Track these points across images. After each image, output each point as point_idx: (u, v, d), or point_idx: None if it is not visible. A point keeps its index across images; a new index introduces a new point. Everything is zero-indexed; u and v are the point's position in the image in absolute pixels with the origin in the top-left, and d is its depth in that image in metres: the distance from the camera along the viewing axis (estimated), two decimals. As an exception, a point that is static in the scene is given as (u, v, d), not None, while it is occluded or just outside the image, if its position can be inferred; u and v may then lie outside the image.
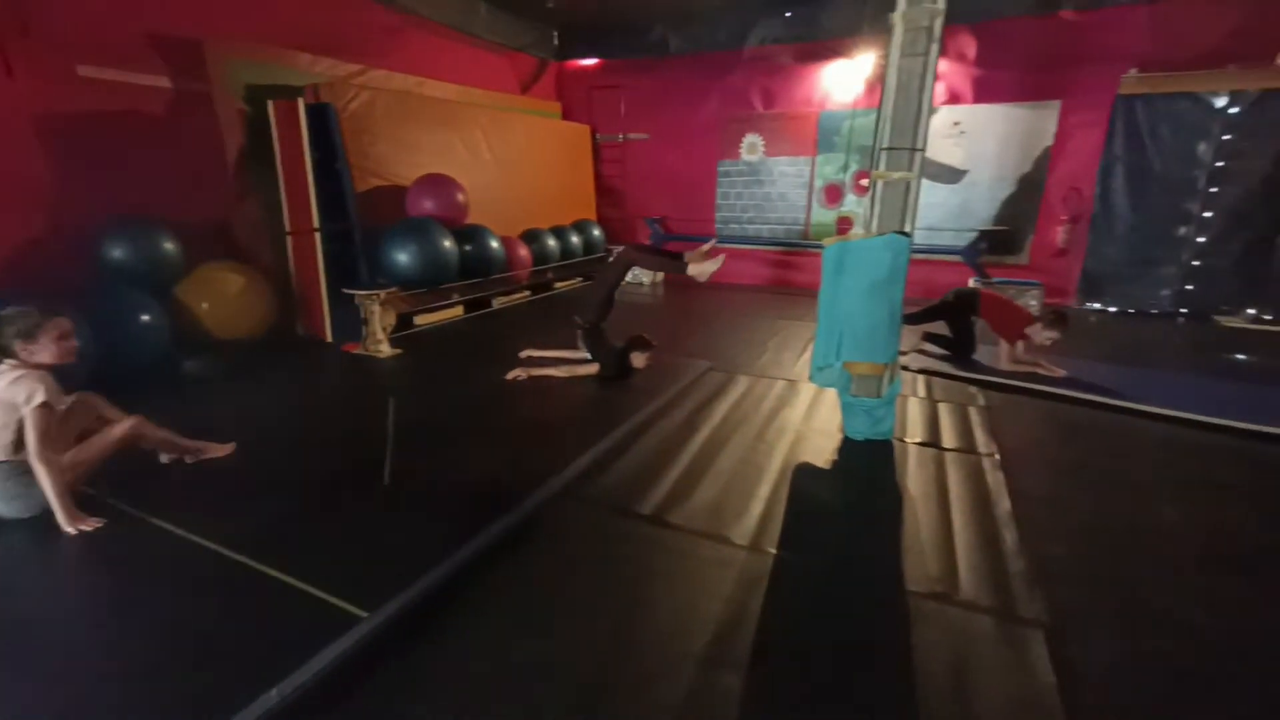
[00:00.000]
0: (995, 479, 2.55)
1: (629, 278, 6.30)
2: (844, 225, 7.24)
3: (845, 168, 7.15)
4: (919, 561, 1.98)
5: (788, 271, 7.71)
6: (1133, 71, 5.73)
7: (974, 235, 6.51)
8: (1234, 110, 5.50)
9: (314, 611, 1.70)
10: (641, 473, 2.58)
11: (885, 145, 2.69)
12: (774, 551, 2.04)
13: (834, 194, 7.27)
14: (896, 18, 2.55)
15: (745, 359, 4.30)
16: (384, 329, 4.31)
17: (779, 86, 7.33)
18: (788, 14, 6.76)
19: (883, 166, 2.70)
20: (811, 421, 3.17)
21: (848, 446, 2.89)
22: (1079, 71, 5.98)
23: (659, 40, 7.54)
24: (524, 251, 6.23)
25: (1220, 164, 5.62)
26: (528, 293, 6.44)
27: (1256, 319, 5.67)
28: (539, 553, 2.03)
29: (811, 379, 3.06)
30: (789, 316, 5.71)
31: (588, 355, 3.78)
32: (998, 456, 2.76)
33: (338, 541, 2.07)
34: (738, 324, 5.43)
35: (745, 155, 7.65)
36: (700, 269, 3.48)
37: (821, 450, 2.84)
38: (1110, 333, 5.27)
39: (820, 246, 2.89)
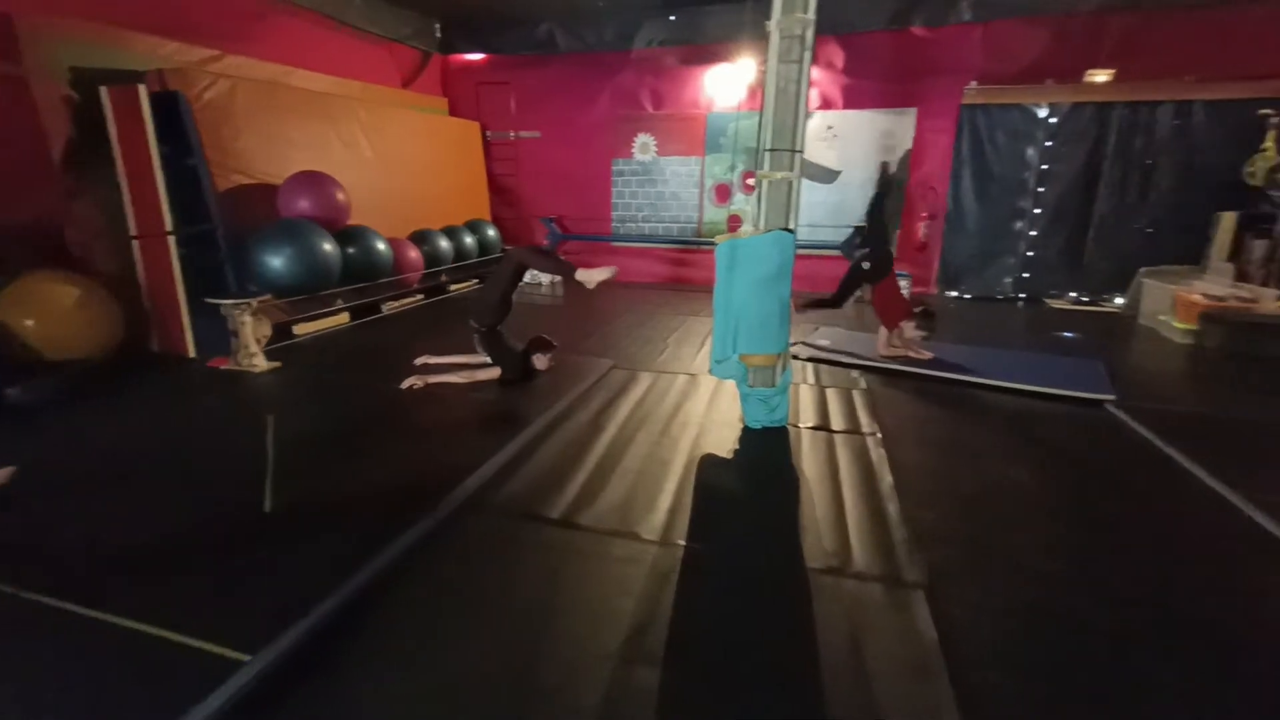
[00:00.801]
0: (878, 455, 2.78)
1: (527, 278, 6.18)
2: (734, 223, 7.55)
3: (733, 168, 7.46)
4: (816, 539, 2.11)
5: (683, 269, 7.93)
6: (973, 84, 6.44)
7: (850, 231, 7.03)
8: (1053, 120, 6.35)
9: (183, 661, 1.53)
10: (549, 476, 2.55)
11: (768, 147, 2.83)
12: (683, 544, 2.09)
13: (724, 193, 7.57)
14: (772, 25, 2.69)
15: (647, 356, 4.37)
16: (258, 341, 3.94)
17: (667, 88, 7.50)
18: (672, 17, 6.93)
19: (767, 167, 2.85)
20: (713, 413, 3.29)
21: (748, 435, 3.02)
22: (930, 82, 6.62)
23: (546, 37, 7.46)
24: (414, 253, 5.94)
25: (1045, 167, 6.47)
26: (420, 296, 6.15)
27: (1076, 300, 6.59)
28: (446, 568, 1.95)
29: (711, 372, 3.17)
30: (686, 312, 5.88)
31: (487, 359, 3.67)
32: (879, 435, 3.01)
33: (209, 580, 1.87)
34: (638, 321, 5.50)
35: (638, 155, 7.76)
36: (588, 275, 3.43)
37: (724, 441, 2.95)
38: (966, 317, 5.89)
39: (713, 244, 3.00)
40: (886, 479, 2.55)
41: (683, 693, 1.49)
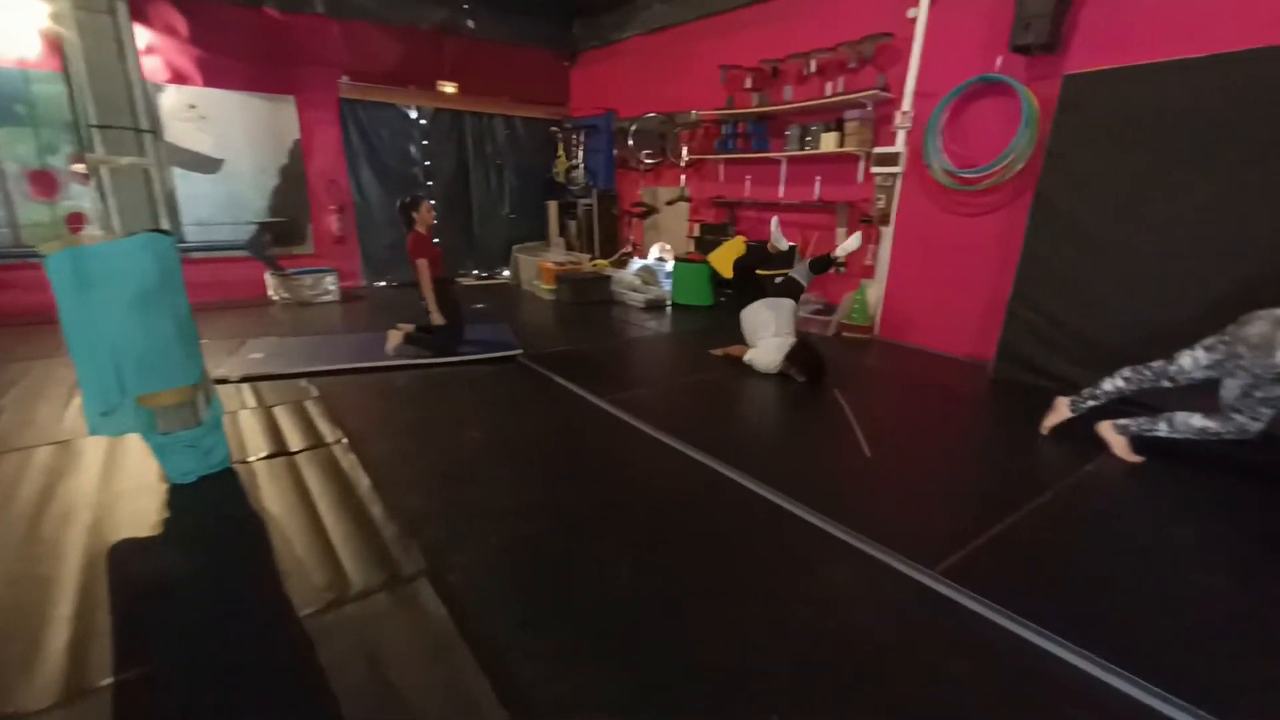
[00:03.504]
0: (349, 461, 2.67)
1: None
2: (75, 223, 5.54)
3: (53, 149, 5.38)
4: (303, 581, 1.89)
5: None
6: (345, 78, 6.57)
7: (255, 228, 6.24)
8: (423, 121, 7.17)
9: None
10: None
11: (94, 122, 2.15)
12: (111, 681, 1.51)
13: (47, 183, 5.41)
14: (57, -38, 2.00)
15: (-45, 437, 2.83)
16: None
17: None
18: None
19: (101, 150, 2.17)
20: (114, 485, 2.43)
21: (179, 495, 2.38)
22: (304, 71, 6.38)
23: None
24: None
25: (428, 163, 7.29)
26: None
27: (478, 276, 7.88)
28: None
29: (95, 431, 2.32)
30: (22, 356, 4.06)
31: None
32: (345, 440, 2.89)
33: None
34: (-84, 388, 3.46)
35: None
36: None
37: (141, 515, 2.24)
38: (398, 303, 6.20)
39: (40, 255, 2.12)
40: (363, 482, 2.49)
41: None
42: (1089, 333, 3.70)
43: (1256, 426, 2.59)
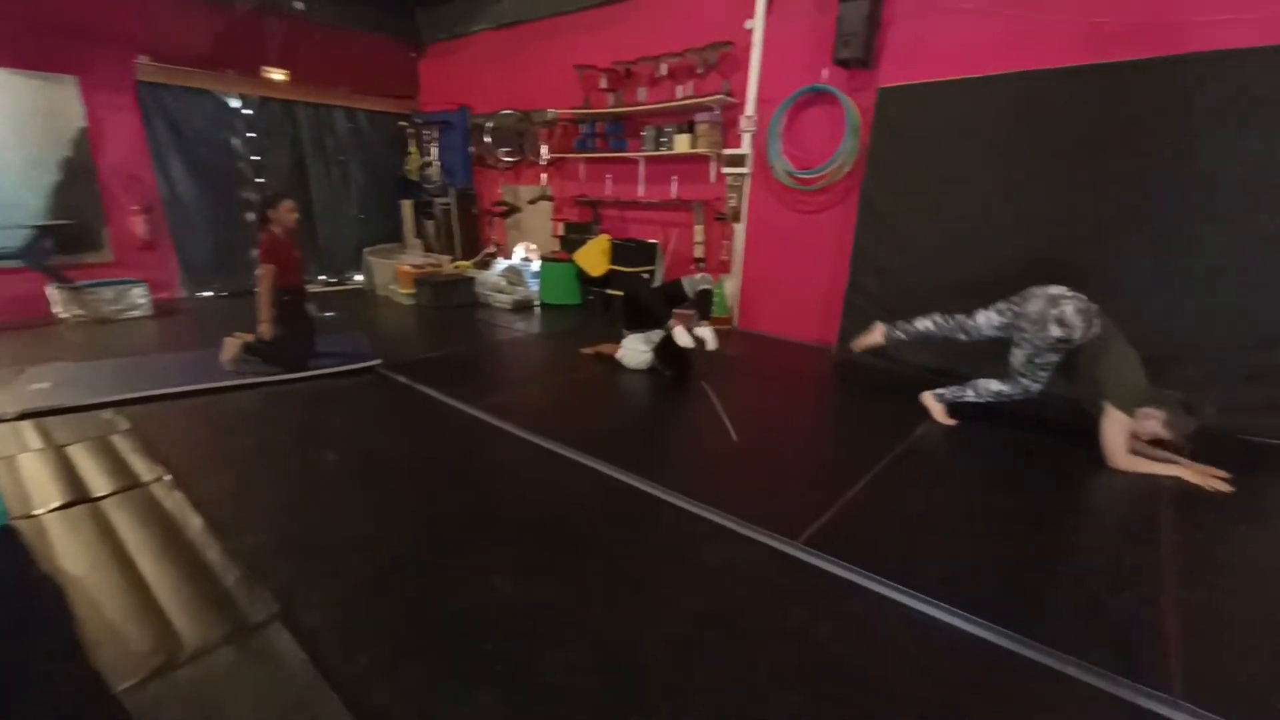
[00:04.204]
0: (175, 501, 2.33)
1: None
2: None
3: None
4: (120, 649, 1.61)
5: None
6: (143, 58, 5.68)
7: (30, 233, 5.21)
8: (248, 111, 6.41)
9: None
10: None
11: None
12: None
13: None
14: None
15: None
16: None
17: None
18: None
19: None
20: None
21: (-65, 567, 1.93)
22: (90, 47, 5.41)
23: None
24: None
25: (256, 158, 6.53)
26: None
27: (326, 282, 7.24)
28: None
29: None
30: None
31: None
32: (168, 477, 2.51)
33: None
34: None
35: None
36: None
37: (-119, 598, 1.79)
38: (226, 313, 5.51)
39: None
40: (194, 524, 2.18)
41: None
42: (909, 315, 4.22)
43: (1036, 388, 3.10)
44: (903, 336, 3.49)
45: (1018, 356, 3.09)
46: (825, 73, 4.58)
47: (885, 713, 1.46)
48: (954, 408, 3.39)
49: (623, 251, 5.79)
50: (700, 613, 1.79)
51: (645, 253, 5.77)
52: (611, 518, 2.33)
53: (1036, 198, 3.68)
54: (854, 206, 4.44)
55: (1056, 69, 3.57)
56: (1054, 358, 2.99)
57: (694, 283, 4.18)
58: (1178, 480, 2.68)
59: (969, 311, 3.26)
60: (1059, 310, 2.87)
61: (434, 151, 7.68)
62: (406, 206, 7.81)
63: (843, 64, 4.40)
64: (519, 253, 6.88)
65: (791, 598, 1.88)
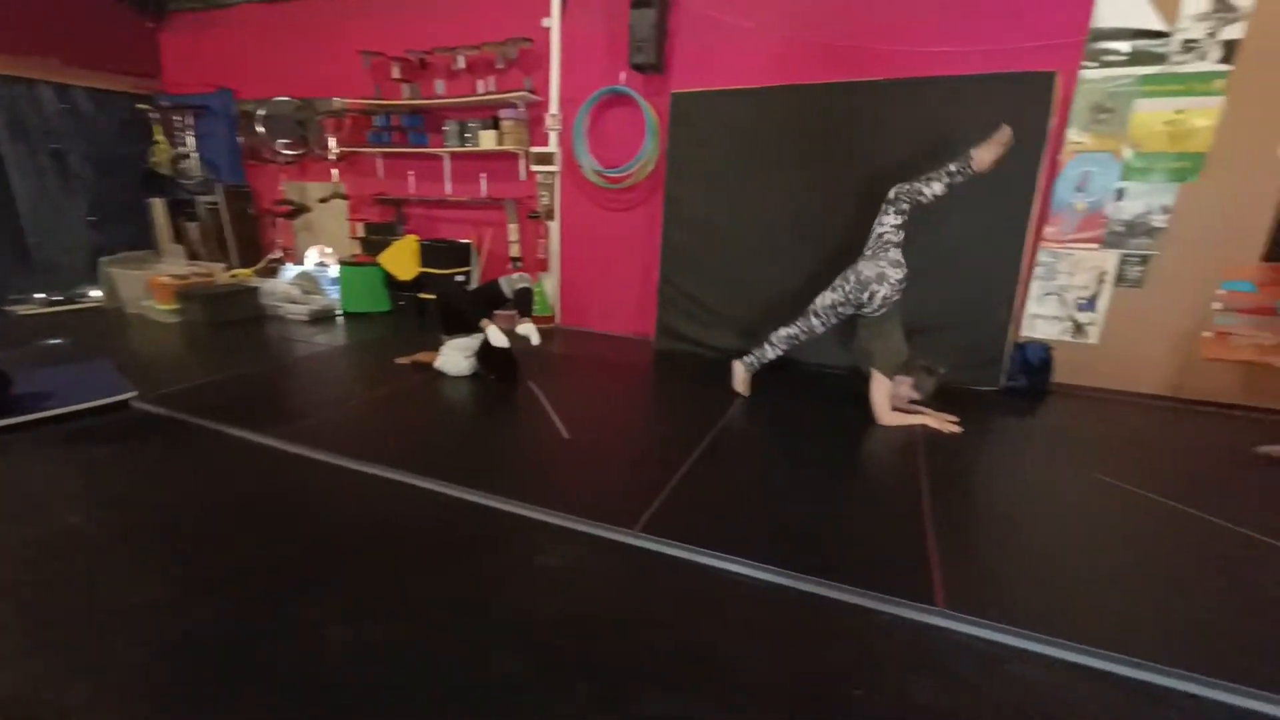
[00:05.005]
0: None
1: None
2: None
3: None
4: None
5: None
6: None
7: None
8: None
9: None
10: None
11: None
12: None
13: None
14: None
15: None
16: None
17: None
18: None
19: None
20: None
21: None
22: None
23: None
24: None
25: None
26: None
27: (48, 301, 5.81)
28: None
29: None
30: None
31: None
32: None
33: None
34: None
35: None
36: None
37: None
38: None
39: None
40: None
41: None
42: (716, 303, 4.61)
43: (822, 330, 3.56)
44: (772, 355, 3.71)
45: (826, 298, 3.50)
46: (623, 76, 4.78)
47: (751, 692, 1.60)
48: (759, 378, 3.79)
49: (434, 253, 5.48)
50: (553, 618, 1.79)
51: (459, 253, 5.53)
52: (447, 536, 2.22)
53: (810, 199, 4.23)
54: (660, 204, 4.71)
55: (814, 84, 4.13)
56: (848, 313, 3.48)
57: (511, 282, 4.10)
58: (926, 428, 3.30)
59: (782, 317, 3.69)
60: (880, 287, 3.33)
61: (190, 141, 6.53)
62: (158, 206, 6.56)
63: (639, 68, 4.62)
64: (312, 257, 6.17)
65: (635, 586, 1.96)
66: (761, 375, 3.85)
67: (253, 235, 6.69)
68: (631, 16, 4.43)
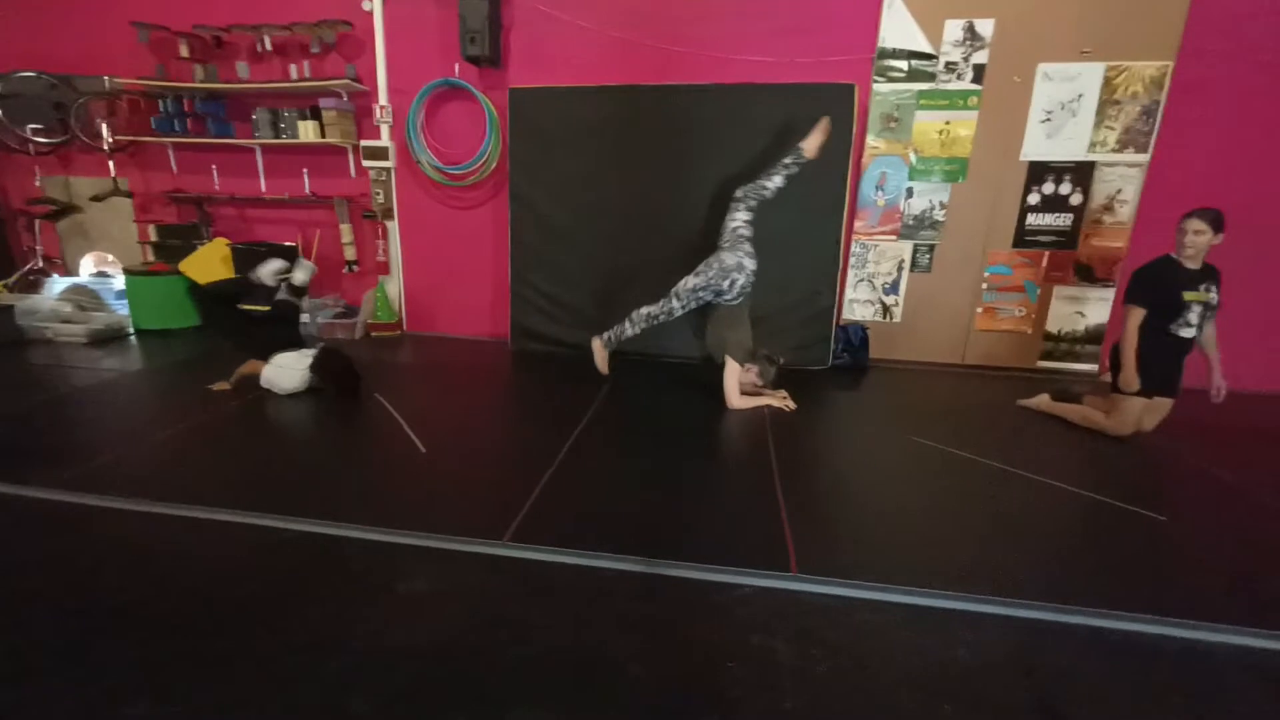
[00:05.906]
0: None
1: None
2: None
3: None
4: None
5: None
6: None
7: None
8: None
9: None
10: None
11: None
12: None
13: None
14: None
15: None
16: None
17: None
18: None
19: None
20: None
21: None
22: None
23: None
24: None
25: None
26: None
27: None
28: None
29: None
30: None
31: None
32: None
33: None
34: None
35: None
36: None
37: None
38: None
39: None
40: None
41: None
42: (568, 299, 4.62)
43: (680, 313, 3.74)
44: (631, 331, 3.83)
45: (688, 283, 3.67)
46: (457, 67, 4.58)
47: (633, 686, 1.63)
48: (618, 373, 3.90)
49: (252, 257, 4.85)
50: (420, 646, 1.69)
51: (283, 258, 4.95)
52: (294, 577, 2.00)
53: (659, 197, 4.39)
54: (507, 201, 4.60)
55: (651, 86, 4.28)
56: (708, 298, 3.68)
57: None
58: (770, 408, 3.61)
59: (636, 306, 3.82)
60: (739, 275, 3.57)
61: (-113, 123, 5.13)
62: None
63: (474, 61, 4.46)
64: (88, 266, 5.18)
65: (512, 597, 1.92)
66: (620, 369, 3.95)
67: (1, 242, 5.44)
68: (461, 6, 4.25)
